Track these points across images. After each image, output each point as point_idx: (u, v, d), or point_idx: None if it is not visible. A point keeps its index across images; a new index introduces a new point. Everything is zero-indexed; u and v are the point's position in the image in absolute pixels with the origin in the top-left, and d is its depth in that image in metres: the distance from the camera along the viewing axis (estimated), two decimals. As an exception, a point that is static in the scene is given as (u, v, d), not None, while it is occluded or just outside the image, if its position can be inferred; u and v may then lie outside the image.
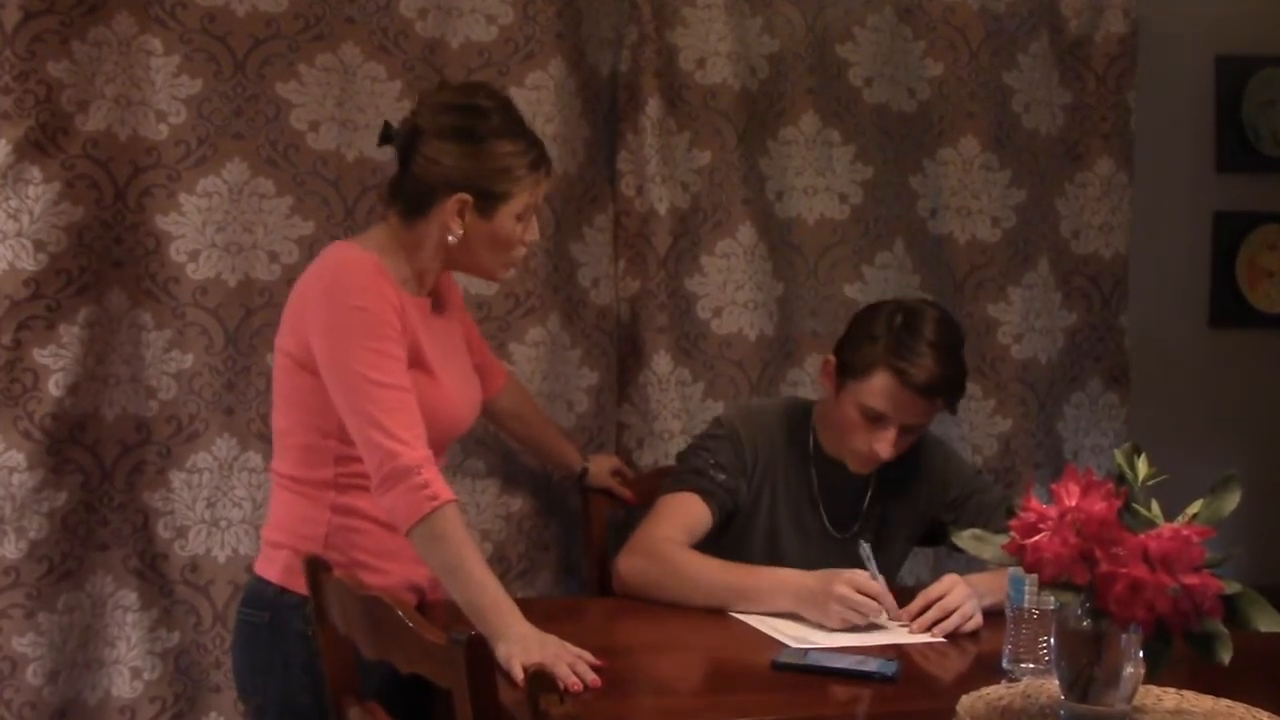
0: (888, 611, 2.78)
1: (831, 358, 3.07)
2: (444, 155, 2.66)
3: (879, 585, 2.78)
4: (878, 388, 2.94)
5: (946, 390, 2.98)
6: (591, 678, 2.38)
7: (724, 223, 3.67)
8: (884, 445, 2.98)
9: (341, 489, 2.68)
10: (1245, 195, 4.28)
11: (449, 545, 2.51)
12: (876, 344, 2.95)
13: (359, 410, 2.56)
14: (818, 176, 3.75)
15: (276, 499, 2.79)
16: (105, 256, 3.21)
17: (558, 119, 3.45)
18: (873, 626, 2.76)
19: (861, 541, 2.91)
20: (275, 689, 2.71)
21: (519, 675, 2.32)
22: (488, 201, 2.67)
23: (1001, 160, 3.88)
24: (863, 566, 2.83)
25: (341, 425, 2.61)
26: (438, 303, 2.82)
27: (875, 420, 2.97)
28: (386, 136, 2.76)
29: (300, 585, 2.60)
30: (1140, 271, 4.04)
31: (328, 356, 2.60)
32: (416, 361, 2.67)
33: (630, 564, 2.99)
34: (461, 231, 2.68)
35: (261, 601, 2.73)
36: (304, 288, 2.71)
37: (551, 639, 2.45)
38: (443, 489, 2.52)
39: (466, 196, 2.66)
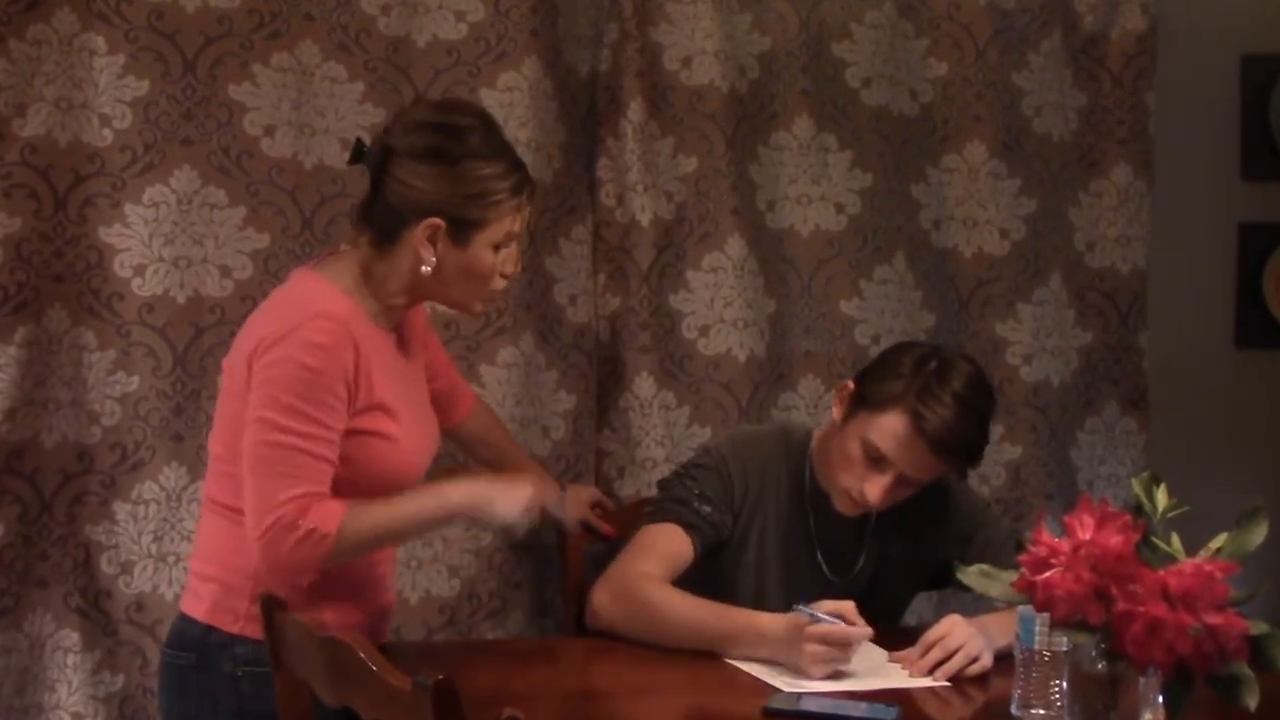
0: (858, 643, 2.73)
1: (850, 383, 3.05)
2: (416, 178, 2.65)
3: (844, 629, 2.71)
4: (889, 427, 2.92)
5: (961, 451, 2.95)
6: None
7: (711, 235, 3.67)
8: (875, 489, 2.95)
9: None
10: (1273, 205, 4.29)
11: (366, 539, 2.65)
12: (900, 382, 2.93)
13: (256, 462, 2.58)
14: (812, 185, 3.76)
15: (206, 525, 2.78)
16: (44, 271, 3.21)
17: (532, 123, 3.45)
18: (866, 671, 2.74)
19: (797, 607, 2.79)
20: None
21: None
22: (462, 228, 2.66)
23: (1010, 167, 3.89)
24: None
25: None
26: (403, 341, 2.81)
27: (875, 462, 2.95)
28: (358, 154, 2.75)
29: (227, 623, 2.66)
30: (1160, 287, 4.05)
31: (257, 397, 2.60)
32: (376, 410, 2.68)
33: (604, 599, 2.99)
34: (435, 260, 2.66)
35: (187, 642, 2.73)
36: (267, 322, 2.68)
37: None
38: (324, 519, 2.56)
39: (438, 221, 2.64)
